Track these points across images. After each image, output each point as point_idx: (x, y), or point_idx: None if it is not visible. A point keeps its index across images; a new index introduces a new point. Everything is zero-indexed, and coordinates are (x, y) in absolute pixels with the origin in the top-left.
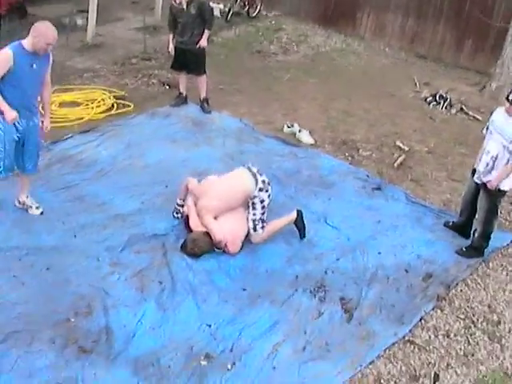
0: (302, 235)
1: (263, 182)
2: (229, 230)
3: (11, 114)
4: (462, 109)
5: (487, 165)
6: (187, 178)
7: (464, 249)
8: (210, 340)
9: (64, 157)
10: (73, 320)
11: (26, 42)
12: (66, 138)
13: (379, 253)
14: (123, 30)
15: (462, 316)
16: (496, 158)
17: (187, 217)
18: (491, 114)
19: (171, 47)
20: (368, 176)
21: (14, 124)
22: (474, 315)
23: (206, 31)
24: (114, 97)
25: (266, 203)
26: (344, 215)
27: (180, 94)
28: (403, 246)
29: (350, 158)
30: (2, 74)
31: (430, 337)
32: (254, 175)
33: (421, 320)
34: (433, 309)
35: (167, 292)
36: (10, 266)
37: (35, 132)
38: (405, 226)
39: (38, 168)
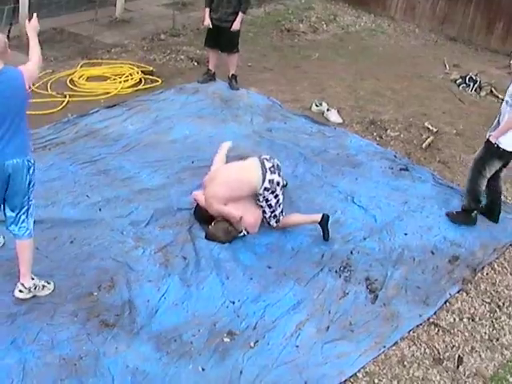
0: (325, 237)
1: (271, 181)
2: (249, 215)
3: None
4: (491, 91)
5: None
6: None
7: (455, 212)
8: (233, 317)
9: (90, 130)
10: (96, 294)
11: None
12: (93, 112)
13: (405, 234)
14: (152, 5)
15: (488, 300)
16: (500, 114)
17: (197, 205)
18: None
19: (207, 21)
20: (395, 156)
21: None
22: (499, 299)
23: (240, 14)
24: (142, 72)
25: (272, 202)
26: (371, 195)
27: (208, 70)
28: (430, 228)
29: (377, 138)
30: None
31: (454, 320)
32: (264, 173)
33: (446, 302)
34: (458, 292)
35: (191, 268)
36: (34, 239)
37: None
38: (432, 207)
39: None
